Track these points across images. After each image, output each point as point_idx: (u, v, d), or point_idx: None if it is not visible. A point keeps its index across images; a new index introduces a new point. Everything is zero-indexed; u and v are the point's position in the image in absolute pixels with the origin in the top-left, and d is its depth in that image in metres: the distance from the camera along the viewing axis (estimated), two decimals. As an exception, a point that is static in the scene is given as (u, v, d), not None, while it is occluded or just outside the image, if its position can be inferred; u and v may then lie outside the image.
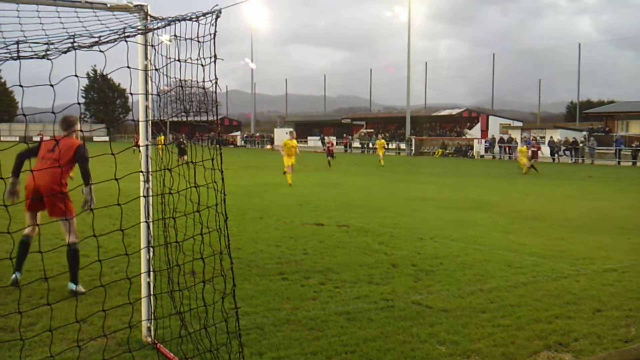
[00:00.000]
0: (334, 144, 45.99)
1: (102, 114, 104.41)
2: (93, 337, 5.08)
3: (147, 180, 5.06)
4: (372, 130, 67.85)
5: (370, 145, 59.57)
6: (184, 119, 5.49)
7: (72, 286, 6.54)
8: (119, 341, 5.02)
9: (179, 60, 5.14)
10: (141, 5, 4.97)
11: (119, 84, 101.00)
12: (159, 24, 5.29)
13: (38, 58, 4.93)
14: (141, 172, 5.01)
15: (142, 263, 5.06)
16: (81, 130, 6.87)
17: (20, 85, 4.21)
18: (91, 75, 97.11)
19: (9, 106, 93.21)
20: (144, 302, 5.04)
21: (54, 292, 6.38)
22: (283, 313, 5.92)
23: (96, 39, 5.17)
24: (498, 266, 8.22)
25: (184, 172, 4.90)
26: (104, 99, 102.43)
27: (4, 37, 4.77)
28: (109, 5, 4.84)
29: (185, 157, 5.78)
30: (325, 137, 63.98)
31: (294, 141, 21.94)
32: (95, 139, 75.96)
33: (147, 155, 5.07)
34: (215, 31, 5.10)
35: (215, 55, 4.99)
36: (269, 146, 69.42)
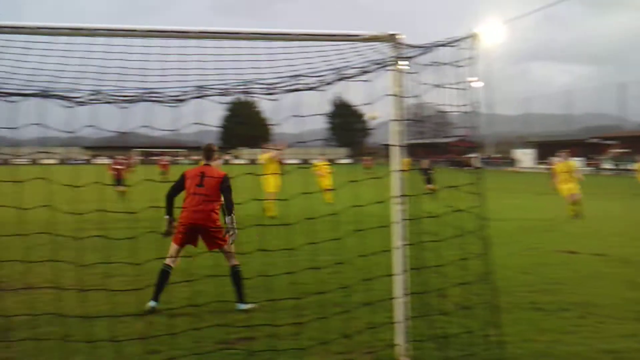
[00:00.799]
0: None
1: (345, 138, 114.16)
2: (356, 350, 5.36)
3: (401, 204, 5.22)
4: (627, 150, 61.11)
5: (628, 167, 53.70)
6: (429, 141, 5.56)
7: (240, 306, 6.74)
8: (375, 357, 5.25)
9: (436, 85, 5.27)
10: (394, 35, 5.19)
11: (358, 109, 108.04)
12: (415, 52, 5.48)
13: (310, 90, 5.44)
14: (399, 196, 5.18)
15: (397, 285, 5.20)
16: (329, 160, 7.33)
17: (299, 116, 4.74)
18: (336, 102, 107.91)
19: (265, 133, 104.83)
20: (400, 323, 5.17)
21: (318, 305, 6.66)
22: (540, 345, 5.58)
23: (358, 69, 5.54)
24: None
25: (434, 196, 4.96)
26: (348, 124, 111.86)
27: (280, 72, 5.38)
28: (364, 37, 5.16)
29: (434, 186, 5.86)
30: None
31: (571, 163, 18.06)
32: (338, 161, 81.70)
33: (401, 179, 5.25)
34: (474, 55, 5.12)
35: (473, 78, 5.01)
36: (510, 168, 67.26)
